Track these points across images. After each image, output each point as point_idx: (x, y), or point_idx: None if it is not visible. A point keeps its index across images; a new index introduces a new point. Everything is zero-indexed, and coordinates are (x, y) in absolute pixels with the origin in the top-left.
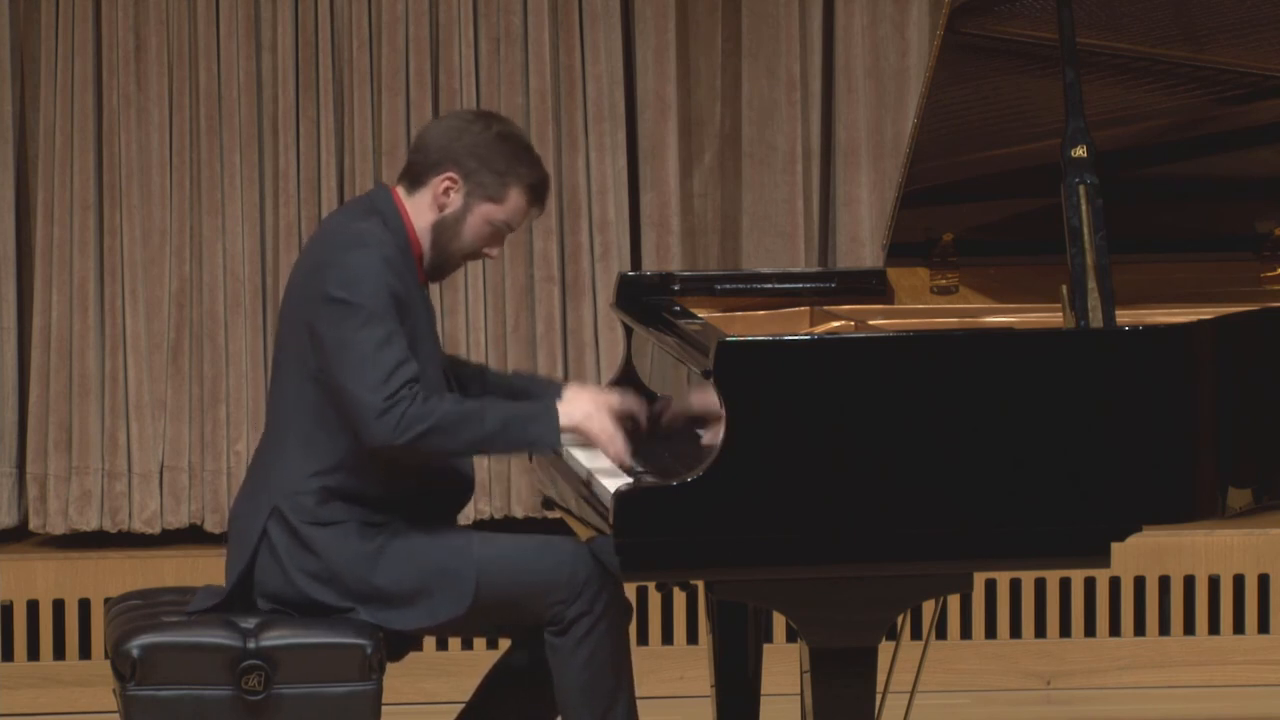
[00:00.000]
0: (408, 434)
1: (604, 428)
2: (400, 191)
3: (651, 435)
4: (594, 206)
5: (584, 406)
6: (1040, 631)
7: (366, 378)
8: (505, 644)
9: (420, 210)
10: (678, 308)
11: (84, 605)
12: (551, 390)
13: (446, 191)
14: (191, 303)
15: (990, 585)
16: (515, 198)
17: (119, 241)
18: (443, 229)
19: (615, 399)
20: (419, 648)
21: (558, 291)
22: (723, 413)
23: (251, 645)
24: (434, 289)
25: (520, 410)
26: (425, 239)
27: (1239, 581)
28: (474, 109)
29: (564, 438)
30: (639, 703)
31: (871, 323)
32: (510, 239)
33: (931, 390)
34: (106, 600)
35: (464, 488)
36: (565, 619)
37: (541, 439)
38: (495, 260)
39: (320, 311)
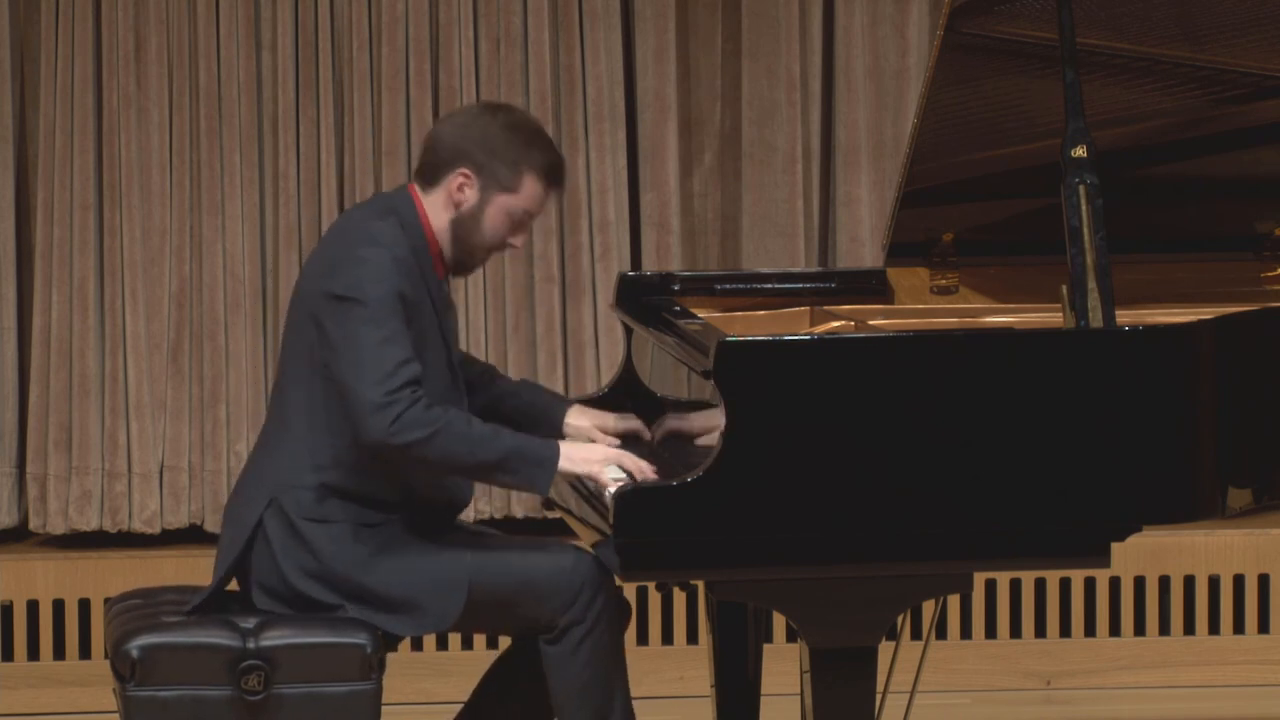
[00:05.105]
0: (402, 437)
1: (608, 456)
2: (417, 190)
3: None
4: (594, 206)
5: (584, 451)
6: (1040, 631)
7: (367, 373)
8: (505, 643)
9: (437, 209)
10: (678, 308)
11: (84, 605)
12: (558, 408)
13: (461, 188)
14: (191, 303)
15: (990, 585)
16: (531, 184)
17: (119, 241)
18: (461, 225)
19: (612, 419)
20: (419, 646)
21: (558, 291)
22: (722, 413)
23: (251, 645)
24: None
25: (522, 447)
26: (444, 237)
27: (1239, 581)
28: (481, 101)
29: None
30: (639, 703)
31: (871, 323)
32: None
33: (931, 390)
34: (106, 600)
35: (465, 492)
36: (558, 627)
37: (535, 484)
38: (494, 261)
39: (326, 308)
